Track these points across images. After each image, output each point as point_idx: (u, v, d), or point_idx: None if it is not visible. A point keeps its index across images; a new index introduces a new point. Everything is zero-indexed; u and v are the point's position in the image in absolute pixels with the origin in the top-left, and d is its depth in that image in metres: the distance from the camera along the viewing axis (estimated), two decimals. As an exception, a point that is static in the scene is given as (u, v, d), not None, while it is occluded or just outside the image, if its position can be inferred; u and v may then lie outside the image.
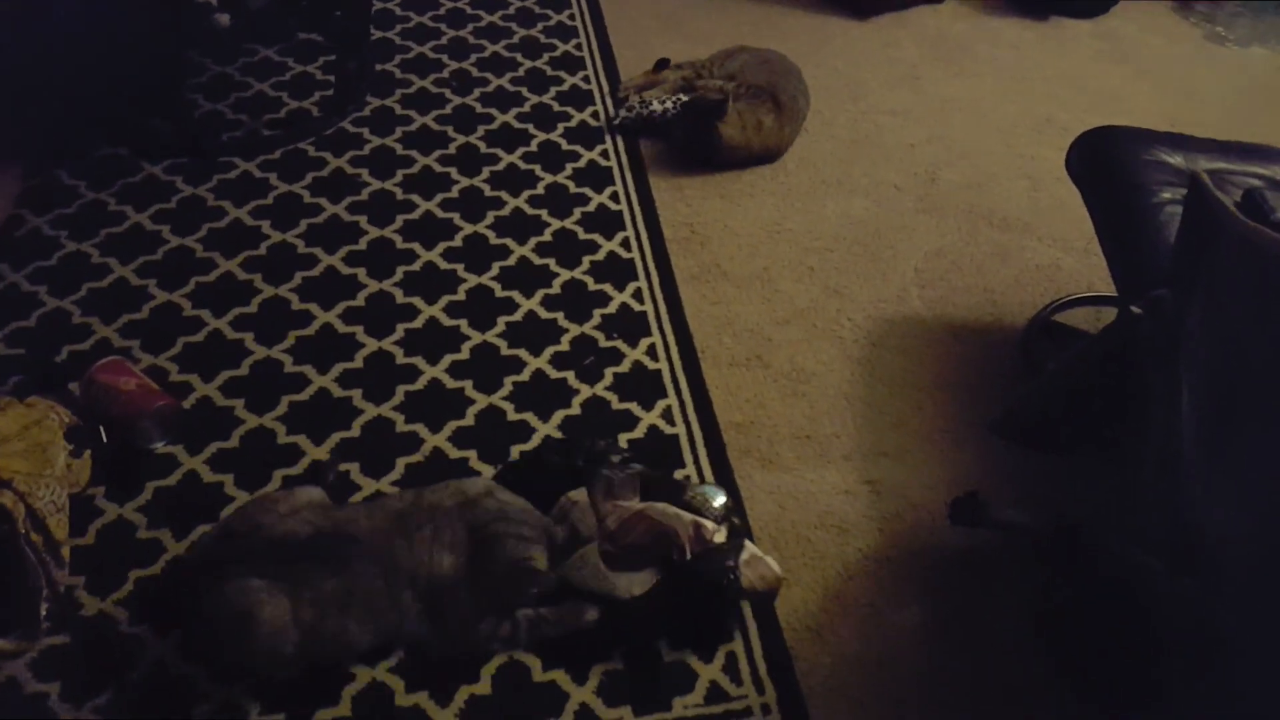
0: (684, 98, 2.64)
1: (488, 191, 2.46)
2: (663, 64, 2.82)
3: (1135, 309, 1.42)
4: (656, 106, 2.64)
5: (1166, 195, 1.73)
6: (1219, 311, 1.26)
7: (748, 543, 1.66)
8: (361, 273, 2.22)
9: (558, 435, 1.92)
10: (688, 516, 1.61)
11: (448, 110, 2.70)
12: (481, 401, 1.97)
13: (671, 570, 1.58)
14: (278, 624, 1.47)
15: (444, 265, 2.26)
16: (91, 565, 1.66)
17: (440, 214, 2.39)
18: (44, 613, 1.53)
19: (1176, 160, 1.80)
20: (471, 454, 1.88)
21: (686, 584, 1.59)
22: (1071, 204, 2.18)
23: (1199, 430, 1.24)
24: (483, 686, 1.55)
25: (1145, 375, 1.40)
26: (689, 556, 1.58)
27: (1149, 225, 1.67)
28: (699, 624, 1.65)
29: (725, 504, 1.70)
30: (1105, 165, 1.85)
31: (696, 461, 1.91)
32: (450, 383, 2.01)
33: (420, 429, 1.91)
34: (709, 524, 1.61)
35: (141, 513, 1.74)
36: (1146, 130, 1.90)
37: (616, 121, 2.68)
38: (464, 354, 2.06)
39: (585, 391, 2.01)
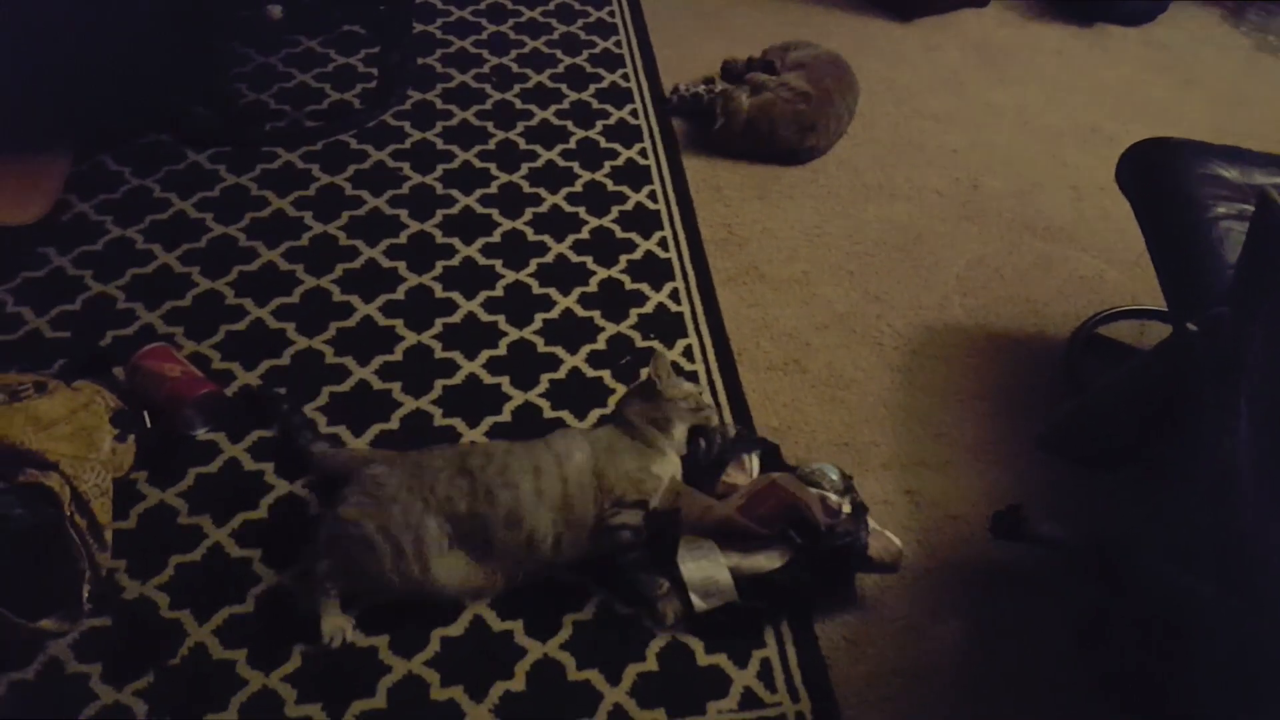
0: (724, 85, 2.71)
1: (526, 188, 2.46)
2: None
3: (1192, 326, 1.39)
4: (702, 91, 2.69)
5: (1222, 210, 1.70)
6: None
7: (869, 518, 1.68)
8: (401, 266, 2.22)
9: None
10: (813, 490, 1.65)
11: (488, 105, 2.70)
12: (518, 398, 1.97)
13: (805, 540, 1.62)
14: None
15: (482, 261, 2.26)
16: (133, 549, 1.66)
17: (479, 209, 2.39)
18: (86, 594, 1.54)
19: (1233, 174, 1.77)
20: (508, 450, 1.88)
21: (821, 553, 1.62)
22: (1116, 214, 2.16)
23: (1258, 453, 1.22)
24: (517, 683, 1.55)
25: (1200, 394, 1.38)
26: (821, 527, 1.61)
27: (1204, 241, 1.65)
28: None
29: (843, 477, 1.73)
30: (1158, 178, 1.82)
31: (734, 465, 1.89)
32: (487, 378, 2.01)
33: (457, 423, 1.91)
34: (833, 496, 1.66)
35: (183, 498, 1.75)
36: (1200, 142, 1.87)
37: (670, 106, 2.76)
38: (501, 350, 2.06)
39: (621, 391, 2.00)
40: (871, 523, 1.68)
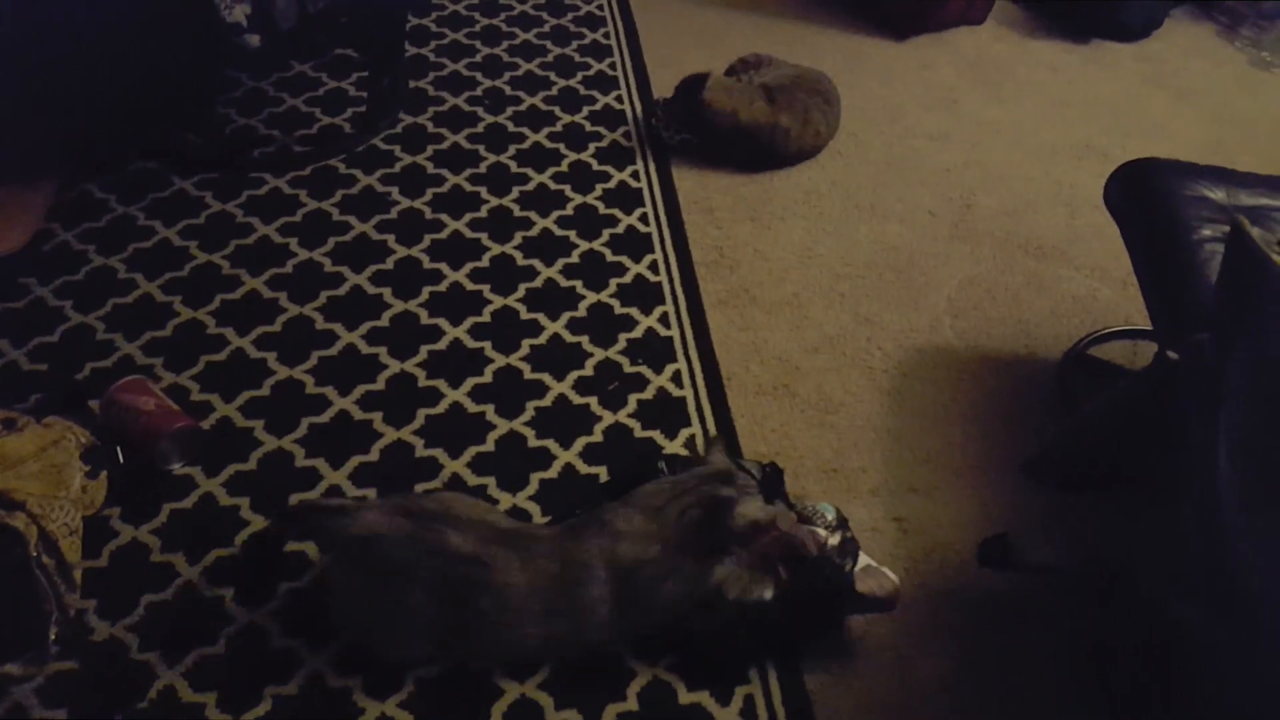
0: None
1: (517, 211, 2.44)
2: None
3: (1172, 355, 1.36)
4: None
5: (1208, 232, 1.67)
6: (1261, 360, 1.21)
7: (863, 554, 1.65)
8: (387, 292, 2.20)
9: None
10: (806, 527, 1.63)
11: (479, 129, 2.69)
12: (503, 427, 1.95)
13: (793, 575, 1.59)
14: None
15: (470, 286, 2.24)
16: (104, 588, 1.64)
17: (468, 234, 2.37)
18: (53, 637, 1.51)
19: (1219, 195, 1.74)
20: (490, 480, 1.85)
21: (806, 586, 1.59)
22: (1110, 233, 2.12)
23: (1239, 482, 1.19)
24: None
25: (1183, 420, 1.35)
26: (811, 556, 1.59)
27: (1189, 263, 1.62)
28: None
29: (837, 516, 1.70)
30: (1145, 199, 1.79)
31: (719, 494, 1.86)
32: (472, 407, 1.98)
33: (440, 454, 1.89)
34: (822, 531, 1.63)
35: (156, 535, 1.72)
36: (1188, 163, 1.84)
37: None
38: (487, 377, 2.04)
39: (608, 418, 1.98)
40: (866, 559, 1.65)
